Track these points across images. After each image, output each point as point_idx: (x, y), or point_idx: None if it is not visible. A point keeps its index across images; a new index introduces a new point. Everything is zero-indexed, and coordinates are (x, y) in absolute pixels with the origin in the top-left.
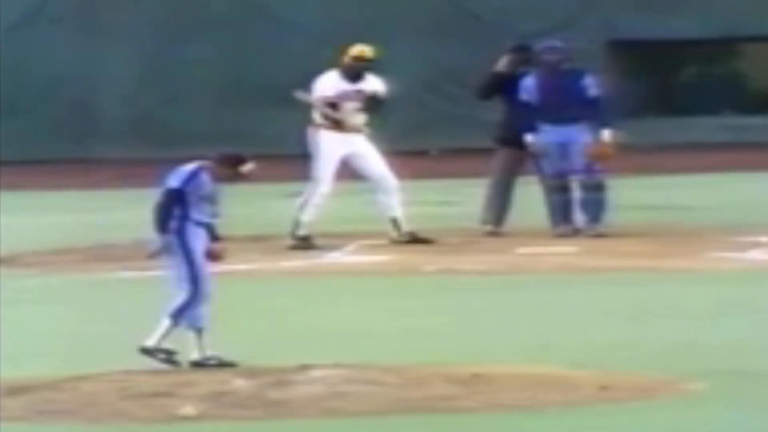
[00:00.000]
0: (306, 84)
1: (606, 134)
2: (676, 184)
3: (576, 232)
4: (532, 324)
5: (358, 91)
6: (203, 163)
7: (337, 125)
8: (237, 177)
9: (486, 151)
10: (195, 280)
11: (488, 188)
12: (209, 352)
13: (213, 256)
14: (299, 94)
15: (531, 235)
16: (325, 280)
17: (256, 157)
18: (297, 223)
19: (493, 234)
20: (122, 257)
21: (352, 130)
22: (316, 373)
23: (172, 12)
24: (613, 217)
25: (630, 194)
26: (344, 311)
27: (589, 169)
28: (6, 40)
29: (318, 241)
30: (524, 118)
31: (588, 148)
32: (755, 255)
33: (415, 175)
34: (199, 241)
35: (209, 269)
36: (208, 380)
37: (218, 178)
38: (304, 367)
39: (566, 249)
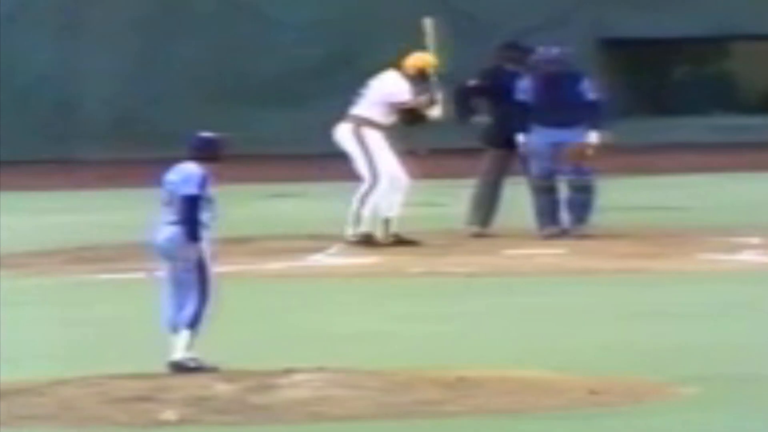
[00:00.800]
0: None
1: (593, 136)
2: (666, 184)
3: (564, 233)
4: (519, 327)
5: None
6: (201, 164)
7: (374, 124)
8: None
9: (473, 152)
10: (205, 282)
11: (476, 189)
12: (191, 353)
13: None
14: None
15: (518, 237)
16: (308, 282)
17: (242, 158)
18: (358, 218)
19: (479, 235)
20: (105, 259)
21: (383, 131)
22: (300, 377)
23: (157, 11)
24: (601, 217)
25: (619, 195)
26: (328, 314)
27: (578, 171)
28: None
29: (301, 243)
30: (519, 117)
31: (568, 147)
32: (746, 256)
33: None
34: (206, 243)
35: (215, 271)
36: (190, 385)
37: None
38: (288, 371)
39: (554, 250)
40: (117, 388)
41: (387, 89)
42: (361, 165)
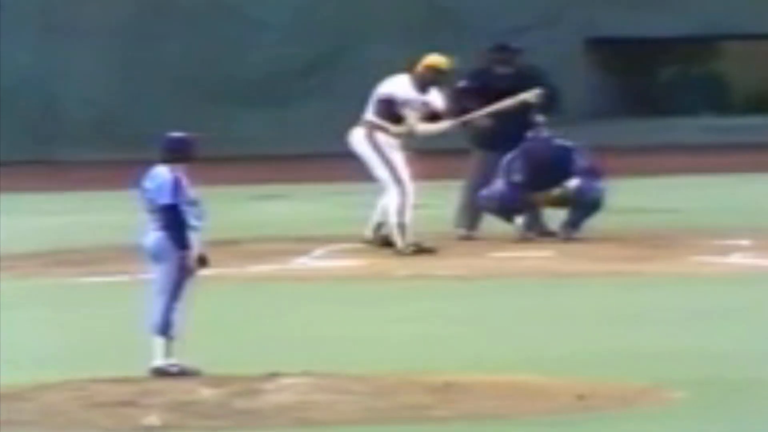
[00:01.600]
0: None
1: (572, 182)
2: (655, 186)
3: (543, 235)
4: (507, 330)
5: (424, 103)
6: (175, 168)
7: (384, 129)
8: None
9: (461, 153)
10: (177, 288)
11: (463, 191)
12: (172, 360)
13: (203, 261)
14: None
15: (505, 240)
16: (293, 285)
17: (225, 159)
18: (402, 230)
19: (467, 238)
20: (87, 261)
21: (393, 137)
22: (285, 382)
23: (140, 11)
24: (590, 220)
25: (608, 197)
26: (313, 318)
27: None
28: None
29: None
30: (512, 196)
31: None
32: (736, 259)
33: None
34: (196, 246)
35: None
36: (173, 389)
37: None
38: (273, 376)
39: (542, 253)
40: (100, 393)
41: (386, 89)
42: (380, 172)
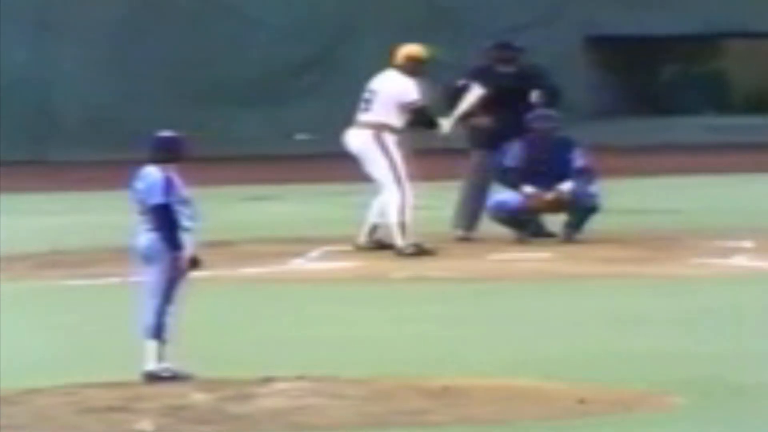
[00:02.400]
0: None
1: (566, 186)
2: (656, 186)
3: (537, 236)
4: (506, 334)
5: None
6: (166, 167)
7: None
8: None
9: (460, 153)
10: (170, 289)
11: (461, 191)
12: (165, 364)
13: (196, 262)
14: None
15: (503, 241)
16: (288, 287)
17: (220, 159)
18: (403, 229)
19: (464, 239)
20: (78, 263)
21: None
22: (280, 386)
23: (134, 10)
24: (589, 221)
25: (608, 197)
26: (309, 320)
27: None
28: None
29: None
30: (508, 179)
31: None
32: (738, 260)
33: None
34: (189, 247)
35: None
36: (166, 394)
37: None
38: (267, 380)
39: (541, 255)
40: (92, 398)
41: (396, 90)
42: (383, 173)
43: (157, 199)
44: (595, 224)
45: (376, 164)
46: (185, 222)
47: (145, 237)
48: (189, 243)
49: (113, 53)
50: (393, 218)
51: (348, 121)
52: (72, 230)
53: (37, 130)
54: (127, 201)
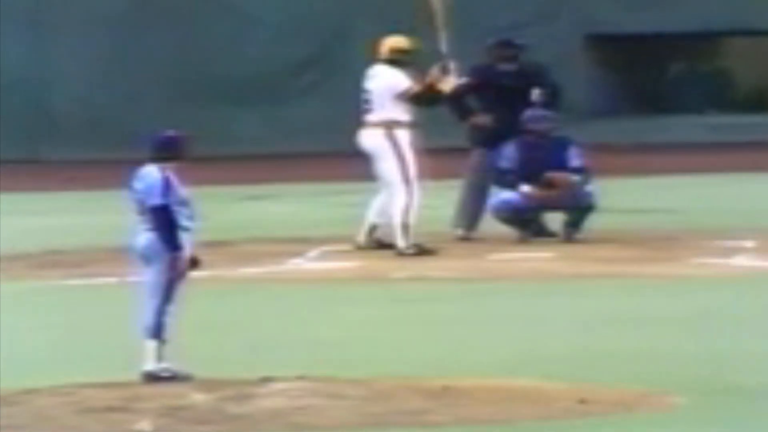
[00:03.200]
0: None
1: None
2: (657, 186)
3: (540, 235)
4: (506, 333)
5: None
6: (164, 167)
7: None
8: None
9: (459, 151)
10: (170, 289)
11: (462, 191)
12: (164, 364)
13: (195, 262)
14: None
15: (503, 241)
16: (287, 287)
17: (218, 158)
18: (406, 230)
19: (465, 239)
20: (75, 263)
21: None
22: (279, 386)
23: (130, 8)
24: (590, 221)
25: (608, 197)
26: (308, 320)
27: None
28: None
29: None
30: (505, 181)
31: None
32: (740, 260)
33: None
34: (188, 247)
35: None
36: (165, 394)
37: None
38: (266, 380)
39: (541, 255)
40: (90, 398)
41: (387, 84)
42: (392, 172)
43: (156, 200)
44: (595, 224)
45: (387, 163)
46: (184, 222)
47: (144, 237)
48: (188, 243)
49: (111, 52)
50: (396, 219)
51: (347, 120)
52: (70, 230)
53: (34, 130)
54: (125, 201)
